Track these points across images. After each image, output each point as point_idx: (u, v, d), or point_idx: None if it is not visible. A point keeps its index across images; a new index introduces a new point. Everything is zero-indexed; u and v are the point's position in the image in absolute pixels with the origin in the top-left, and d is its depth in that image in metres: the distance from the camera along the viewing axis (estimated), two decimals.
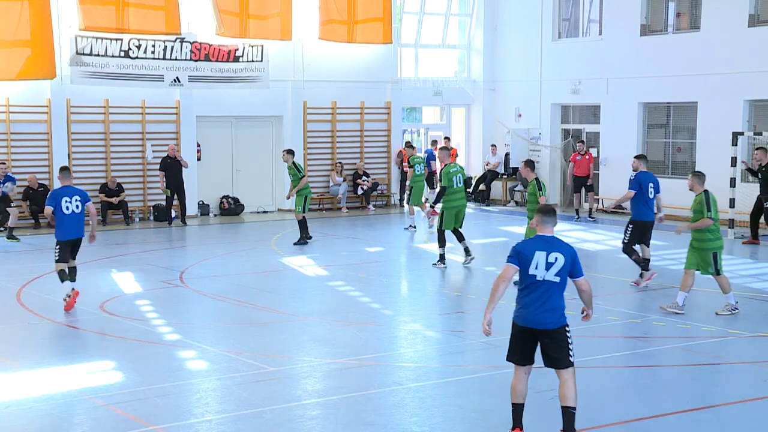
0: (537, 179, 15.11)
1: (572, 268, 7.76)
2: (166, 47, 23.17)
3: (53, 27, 21.47)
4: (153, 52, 23.05)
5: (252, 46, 24.32)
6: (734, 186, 20.24)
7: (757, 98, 22.33)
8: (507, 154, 27.74)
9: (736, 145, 20.52)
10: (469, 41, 29.07)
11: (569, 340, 7.81)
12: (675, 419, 8.63)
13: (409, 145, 23.36)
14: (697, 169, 14.52)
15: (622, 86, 24.87)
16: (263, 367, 10.32)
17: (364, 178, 26.36)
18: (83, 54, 22.13)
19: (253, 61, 24.44)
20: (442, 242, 16.53)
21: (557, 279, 7.70)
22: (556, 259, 7.68)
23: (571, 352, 7.78)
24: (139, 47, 22.88)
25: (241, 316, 13.21)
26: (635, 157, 15.75)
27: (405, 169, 26.59)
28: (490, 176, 27.76)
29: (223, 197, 25.06)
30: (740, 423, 8.62)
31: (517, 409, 7.90)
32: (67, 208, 12.95)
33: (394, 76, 26.97)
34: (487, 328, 7.87)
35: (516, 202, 27.29)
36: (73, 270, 13.26)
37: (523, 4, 27.62)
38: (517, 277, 7.94)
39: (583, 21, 27.13)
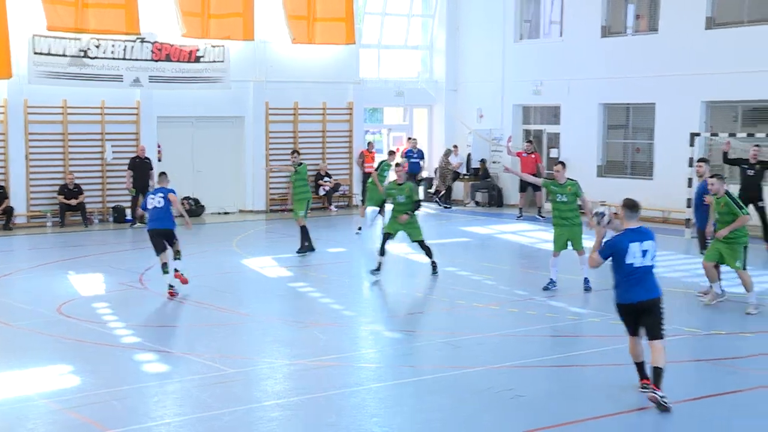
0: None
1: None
2: (126, 47, 22.98)
3: (8, 27, 21.19)
4: (113, 53, 22.85)
5: (214, 47, 24.21)
6: (691, 186, 20.43)
7: (714, 99, 22.61)
8: (469, 155, 27.86)
9: (694, 145, 20.76)
10: (431, 42, 29.15)
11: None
12: (629, 417, 8.70)
13: (391, 152, 23.31)
14: (716, 174, 14.12)
15: (582, 87, 25.06)
16: (223, 369, 10.26)
17: (326, 179, 26.32)
18: (41, 54, 21.88)
19: (214, 61, 24.32)
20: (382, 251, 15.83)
21: (651, 263, 8.87)
22: (649, 246, 8.85)
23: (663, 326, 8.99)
24: (98, 47, 22.66)
25: (201, 318, 13.13)
26: (701, 160, 14.92)
27: (366, 170, 26.68)
28: (452, 177, 27.84)
29: (184, 198, 24.83)
30: (696, 419, 8.71)
31: (639, 367, 9.21)
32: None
33: (356, 77, 26.97)
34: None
35: (477, 203, 27.40)
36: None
37: (485, 5, 27.74)
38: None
39: (544, 22, 27.32)
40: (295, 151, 19.53)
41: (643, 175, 23.93)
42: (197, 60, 24.05)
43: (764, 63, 21.18)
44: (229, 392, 9.47)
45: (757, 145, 19.05)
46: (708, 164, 14.57)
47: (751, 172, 18.61)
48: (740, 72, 21.67)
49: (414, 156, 26.66)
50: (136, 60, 23.21)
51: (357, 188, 27.13)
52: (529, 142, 25.34)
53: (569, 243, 14.41)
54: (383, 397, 9.39)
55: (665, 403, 8.61)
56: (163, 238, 14.31)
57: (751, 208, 18.05)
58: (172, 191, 14.62)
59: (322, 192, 26.23)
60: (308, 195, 18.72)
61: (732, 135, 20.78)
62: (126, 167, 23.07)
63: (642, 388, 9.10)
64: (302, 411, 8.94)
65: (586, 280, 14.41)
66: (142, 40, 23.20)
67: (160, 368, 10.45)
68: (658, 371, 8.79)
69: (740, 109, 22.58)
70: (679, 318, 12.96)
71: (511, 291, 14.85)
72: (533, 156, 24.43)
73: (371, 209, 21.98)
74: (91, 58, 22.64)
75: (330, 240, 20.79)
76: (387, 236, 15.67)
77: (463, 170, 27.88)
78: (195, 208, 24.79)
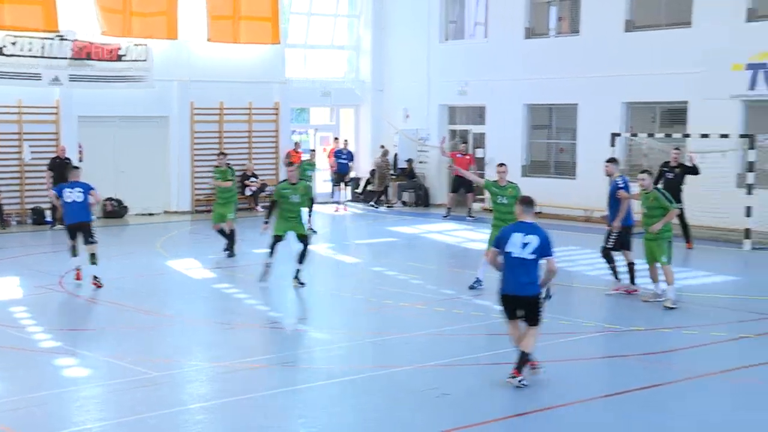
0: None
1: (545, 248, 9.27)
2: (44, 45, 22.50)
3: None
4: (30, 50, 22.34)
5: (136, 45, 23.83)
6: None
7: (634, 100, 23.08)
8: (395, 155, 27.93)
9: (615, 146, 21.16)
10: (357, 42, 29.15)
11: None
12: (561, 411, 8.82)
13: (313, 151, 23.21)
14: (645, 168, 14.53)
15: (506, 88, 25.33)
16: (146, 373, 10.08)
17: (252, 179, 26.13)
18: None
19: (137, 60, 23.95)
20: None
21: (532, 256, 9.19)
22: (530, 240, 9.18)
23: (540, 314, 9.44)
24: (14, 44, 22.12)
25: (123, 321, 12.90)
26: (609, 161, 14.94)
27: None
28: (388, 176, 27.86)
29: (107, 199, 24.43)
30: (625, 412, 8.86)
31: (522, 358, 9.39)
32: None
33: (282, 77, 26.83)
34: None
35: (403, 203, 27.49)
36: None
37: (411, 5, 27.85)
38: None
39: (469, 23, 27.53)
40: (222, 153, 19.21)
41: (566, 174, 24.30)
42: (119, 59, 23.65)
43: (680, 65, 21.68)
44: (153, 396, 9.31)
45: (677, 149, 19.50)
46: (616, 164, 14.77)
47: (671, 175, 19.07)
48: (658, 74, 22.16)
49: (343, 156, 26.62)
50: (55, 58, 22.73)
51: None
52: (464, 143, 25.52)
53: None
54: (310, 398, 9.35)
55: (523, 385, 9.21)
56: (81, 230, 14.65)
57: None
58: (93, 188, 14.97)
59: (248, 192, 26.03)
60: (236, 197, 18.46)
61: (650, 135, 21.26)
62: (46, 168, 22.57)
63: (511, 377, 9.37)
64: (228, 414, 8.83)
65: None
66: (62, 38, 22.73)
67: (81, 372, 10.22)
68: (524, 355, 9.29)
69: (658, 110, 23.10)
70: (599, 314, 13.22)
71: (437, 290, 14.94)
72: (467, 157, 24.58)
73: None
74: (6, 55, 22.09)
75: (255, 241, 20.59)
76: (277, 239, 15.12)
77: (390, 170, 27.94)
78: (118, 209, 24.38)
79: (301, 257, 14.98)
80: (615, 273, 14.19)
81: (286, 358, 10.94)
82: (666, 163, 19.31)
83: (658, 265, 13.36)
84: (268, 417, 8.73)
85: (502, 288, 9.51)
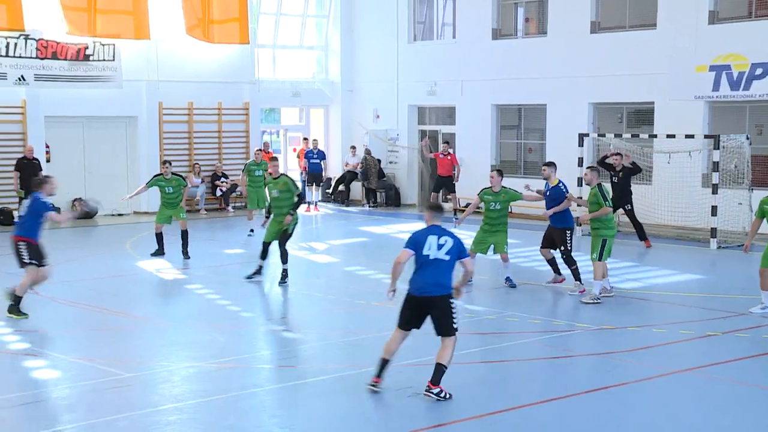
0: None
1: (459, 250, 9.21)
2: (9, 44, 22.30)
3: None
4: None
5: (103, 45, 23.67)
6: (581, 186, 20.97)
7: (600, 101, 23.26)
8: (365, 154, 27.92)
9: (582, 145, 21.31)
10: (326, 43, 29.12)
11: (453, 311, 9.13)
12: (527, 411, 8.85)
13: (259, 150, 22.79)
14: (591, 165, 14.87)
15: (475, 88, 25.43)
16: (118, 374, 10.01)
17: (222, 179, 26.02)
18: None
19: (104, 60, 23.78)
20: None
21: (446, 257, 9.10)
22: (446, 241, 9.13)
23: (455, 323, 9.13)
24: None
25: (94, 322, 12.79)
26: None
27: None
28: (349, 177, 27.87)
29: (75, 200, 24.19)
30: (589, 411, 8.92)
31: (383, 363, 9.21)
32: None
33: (251, 77, 26.74)
34: (390, 296, 9.43)
35: (374, 203, 27.46)
36: None
37: (379, 6, 27.86)
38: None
39: (437, 24, 27.60)
40: (167, 162, 18.51)
41: (535, 174, 24.40)
42: (86, 58, 23.48)
43: (646, 66, 21.90)
44: (125, 397, 9.24)
45: (618, 153, 19.71)
46: (553, 167, 14.84)
47: (615, 179, 19.32)
48: (624, 74, 22.36)
49: (314, 156, 26.54)
50: (20, 57, 22.55)
51: None
52: (446, 142, 25.40)
53: (492, 247, 14.61)
54: (283, 397, 9.33)
55: (444, 397, 8.96)
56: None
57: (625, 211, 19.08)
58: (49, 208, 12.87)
59: (219, 193, 25.93)
60: (182, 198, 18.06)
61: (618, 136, 21.42)
62: (12, 168, 22.37)
63: (372, 385, 9.18)
64: (201, 414, 8.79)
65: (508, 278, 14.76)
66: (27, 37, 22.54)
67: (52, 374, 10.12)
68: (440, 368, 9.04)
69: (625, 111, 23.29)
70: (571, 314, 13.29)
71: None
72: (449, 157, 24.56)
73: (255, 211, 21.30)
74: None
75: (227, 241, 20.55)
76: (267, 244, 15.22)
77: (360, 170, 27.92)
78: (87, 210, 24.13)
79: (283, 257, 15.06)
80: (576, 275, 14.33)
81: (258, 358, 10.91)
82: (612, 167, 19.36)
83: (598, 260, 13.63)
84: (240, 417, 8.69)
85: (412, 289, 9.18)
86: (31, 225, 12.50)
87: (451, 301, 9.15)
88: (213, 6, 25.10)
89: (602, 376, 10.08)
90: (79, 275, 16.18)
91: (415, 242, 9.20)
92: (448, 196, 24.12)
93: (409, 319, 9.24)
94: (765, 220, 12.89)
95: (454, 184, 23.87)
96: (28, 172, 22.16)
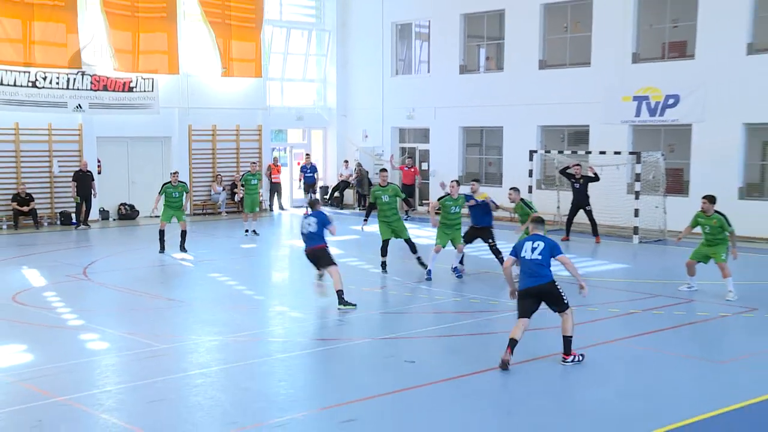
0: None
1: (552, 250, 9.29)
2: (69, 79, 22.27)
3: None
4: (57, 83, 22.12)
5: (144, 79, 23.62)
6: (531, 192, 21.10)
7: (546, 124, 23.36)
8: (357, 166, 27.91)
9: (532, 160, 21.42)
10: (324, 76, 29.11)
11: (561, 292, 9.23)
12: (485, 375, 8.90)
13: (253, 163, 22.57)
14: (513, 186, 15.02)
15: (446, 113, 25.48)
16: (155, 345, 10.04)
17: (240, 187, 25.95)
18: None
19: (145, 91, 23.75)
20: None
21: (539, 257, 9.22)
22: (538, 245, 9.28)
23: (564, 300, 9.25)
24: (45, 79, 21.89)
25: (136, 303, 12.80)
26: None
27: (273, 180, 26.50)
28: (343, 186, 27.91)
29: (121, 204, 24.19)
30: (535, 374, 8.96)
31: (512, 341, 9.06)
32: None
33: (263, 104, 26.71)
34: (511, 297, 9.54)
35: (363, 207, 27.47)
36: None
37: (368, 46, 27.87)
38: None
39: (415, 61, 27.64)
40: (175, 172, 18.40)
41: (494, 183, 24.53)
42: (130, 90, 23.45)
43: (583, 96, 22.01)
44: (161, 364, 9.28)
45: (578, 164, 19.80)
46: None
47: (577, 186, 19.42)
48: (565, 103, 22.46)
49: (308, 171, 26.59)
50: (78, 90, 22.51)
51: (266, 195, 26.88)
52: (410, 158, 25.64)
53: (452, 241, 14.63)
54: (289, 365, 9.35)
55: (581, 359, 9.25)
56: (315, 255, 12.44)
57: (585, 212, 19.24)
58: (330, 223, 12.39)
59: (237, 199, 25.86)
60: (182, 202, 17.81)
61: (560, 152, 21.53)
62: (71, 179, 22.35)
63: (504, 358, 8.99)
64: (222, 378, 8.83)
65: (456, 269, 14.68)
66: (83, 74, 22.51)
67: (102, 345, 10.14)
68: (567, 339, 9.19)
69: (566, 132, 23.41)
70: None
71: (390, 277, 14.93)
72: (412, 169, 24.68)
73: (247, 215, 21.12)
74: (39, 87, 21.84)
75: (244, 238, 20.56)
76: (386, 242, 15.01)
77: (352, 180, 27.91)
78: (131, 213, 24.15)
79: (413, 248, 14.87)
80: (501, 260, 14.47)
81: (269, 333, 10.94)
82: (573, 176, 19.49)
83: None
84: (254, 380, 8.73)
85: (520, 285, 9.31)
86: (321, 235, 12.24)
87: (556, 284, 9.20)
88: (233, 48, 25.14)
89: (547, 346, 10.14)
90: (123, 265, 16.19)
91: (515, 249, 9.43)
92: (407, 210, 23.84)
93: (528, 309, 9.20)
94: (699, 227, 12.96)
95: (416, 190, 24.05)
96: (83, 182, 22.24)
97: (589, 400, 8.11)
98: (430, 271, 14.42)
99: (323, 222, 12.24)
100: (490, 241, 14.63)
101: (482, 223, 14.70)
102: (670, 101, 20.53)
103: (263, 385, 8.59)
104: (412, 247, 14.91)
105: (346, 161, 27.98)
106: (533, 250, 9.32)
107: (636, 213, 19.38)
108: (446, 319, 11.62)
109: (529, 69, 23.35)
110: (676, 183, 20.81)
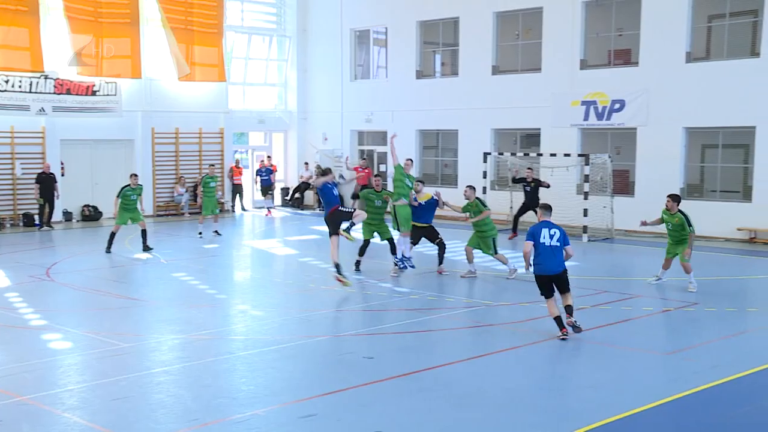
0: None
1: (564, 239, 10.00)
2: (32, 82, 21.84)
3: None
4: (20, 87, 21.65)
5: (107, 83, 23.25)
6: (485, 193, 21.23)
7: (499, 127, 23.55)
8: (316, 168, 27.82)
9: (486, 162, 21.56)
10: (285, 80, 28.95)
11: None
12: (446, 368, 8.94)
13: (212, 165, 22.19)
14: (469, 184, 15.01)
15: (403, 117, 25.51)
16: (118, 344, 9.87)
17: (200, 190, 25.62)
18: None
19: (108, 94, 23.38)
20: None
21: (558, 244, 9.95)
22: (555, 232, 9.94)
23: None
24: (7, 82, 21.44)
25: (99, 303, 12.57)
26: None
27: (235, 182, 26.27)
28: (303, 187, 27.78)
29: (84, 206, 23.75)
30: (502, 367, 9.04)
31: (558, 320, 10.01)
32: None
33: (225, 108, 26.47)
34: (526, 270, 10.37)
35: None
36: None
37: (327, 51, 27.79)
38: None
39: (373, 66, 27.64)
40: (134, 174, 18.10)
41: (450, 184, 24.64)
42: (93, 93, 23.07)
43: (534, 100, 22.24)
44: (123, 363, 9.12)
45: (530, 168, 20.00)
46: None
47: (528, 189, 19.61)
48: (517, 107, 22.67)
49: (264, 173, 26.37)
50: (41, 93, 22.09)
51: (228, 196, 26.63)
52: (364, 159, 25.66)
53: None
54: (250, 362, 9.27)
55: (578, 325, 10.03)
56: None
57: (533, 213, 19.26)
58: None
59: (198, 200, 25.53)
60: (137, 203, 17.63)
61: (513, 154, 21.71)
62: (34, 181, 21.89)
63: (562, 336, 9.92)
64: (184, 376, 8.72)
65: (402, 260, 14.41)
66: (46, 77, 22.07)
67: (65, 345, 9.93)
68: (569, 307, 10.08)
69: (518, 135, 23.61)
70: (478, 292, 13.42)
71: (350, 276, 14.88)
72: (367, 171, 24.71)
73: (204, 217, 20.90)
74: (1, 91, 21.38)
75: (206, 238, 20.33)
76: (367, 242, 15.00)
77: (312, 182, 27.81)
78: (94, 214, 23.73)
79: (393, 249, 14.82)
80: (441, 259, 14.67)
81: (230, 331, 10.83)
82: (524, 179, 19.73)
83: (476, 251, 14.16)
84: (216, 378, 8.64)
85: (540, 270, 10.02)
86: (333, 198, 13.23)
87: (566, 271, 10.00)
88: (195, 53, 24.86)
89: (501, 341, 10.20)
90: (87, 266, 15.88)
91: (533, 234, 9.95)
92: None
93: (550, 289, 10.02)
94: (665, 224, 13.22)
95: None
96: (46, 184, 21.81)
97: (539, 393, 8.18)
98: (401, 259, 14.29)
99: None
100: (439, 237, 14.75)
101: (423, 220, 14.75)
102: (617, 106, 20.84)
103: (225, 382, 8.50)
104: (393, 248, 14.84)
105: (306, 163, 27.87)
106: (551, 236, 9.93)
107: (585, 213, 19.62)
108: (403, 317, 11.63)
109: (482, 74, 23.50)
110: (623, 184, 21.14)
